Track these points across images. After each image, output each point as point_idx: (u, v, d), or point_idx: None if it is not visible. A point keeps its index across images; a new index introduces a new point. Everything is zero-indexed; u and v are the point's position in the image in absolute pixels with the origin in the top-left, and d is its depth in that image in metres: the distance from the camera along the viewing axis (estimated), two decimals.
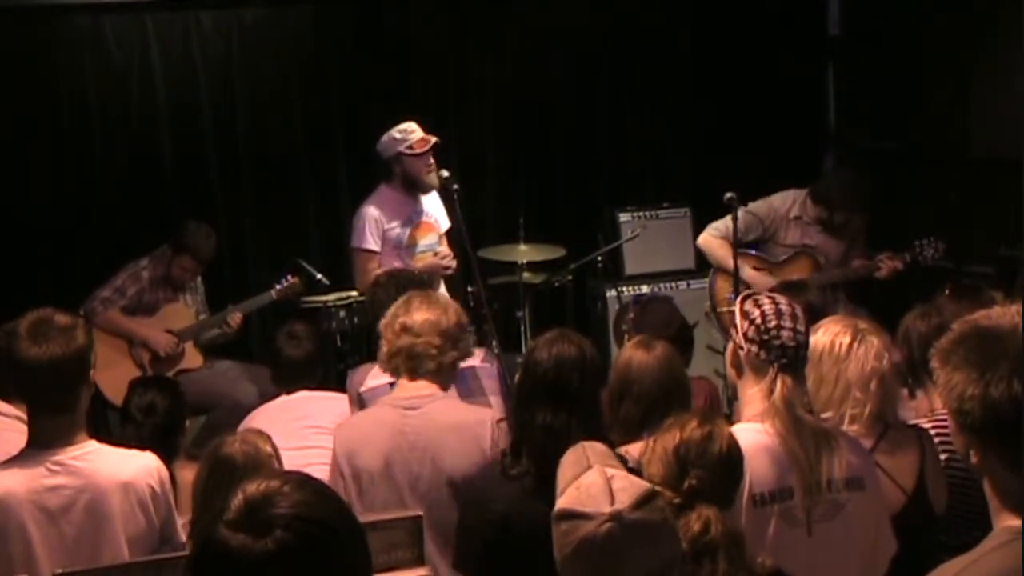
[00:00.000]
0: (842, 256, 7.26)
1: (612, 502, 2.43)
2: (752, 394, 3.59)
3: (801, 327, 3.58)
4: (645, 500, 2.46)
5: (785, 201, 7.28)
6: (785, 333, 3.54)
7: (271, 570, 1.90)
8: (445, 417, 4.18)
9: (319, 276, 7.39)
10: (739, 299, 3.71)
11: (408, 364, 4.28)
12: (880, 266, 7.02)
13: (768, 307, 3.59)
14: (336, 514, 2.01)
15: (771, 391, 3.53)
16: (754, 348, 3.55)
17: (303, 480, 2.02)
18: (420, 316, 4.27)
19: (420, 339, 4.25)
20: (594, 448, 2.69)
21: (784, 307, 3.60)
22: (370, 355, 6.12)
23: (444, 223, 7.25)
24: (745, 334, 3.58)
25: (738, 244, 6.76)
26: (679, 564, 2.61)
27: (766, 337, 3.54)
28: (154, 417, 5.03)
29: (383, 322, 4.37)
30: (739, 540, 2.92)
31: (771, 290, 5.76)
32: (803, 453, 3.46)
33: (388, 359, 4.33)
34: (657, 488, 2.60)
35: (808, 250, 7.21)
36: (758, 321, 3.57)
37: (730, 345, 3.70)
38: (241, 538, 1.91)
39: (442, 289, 6.83)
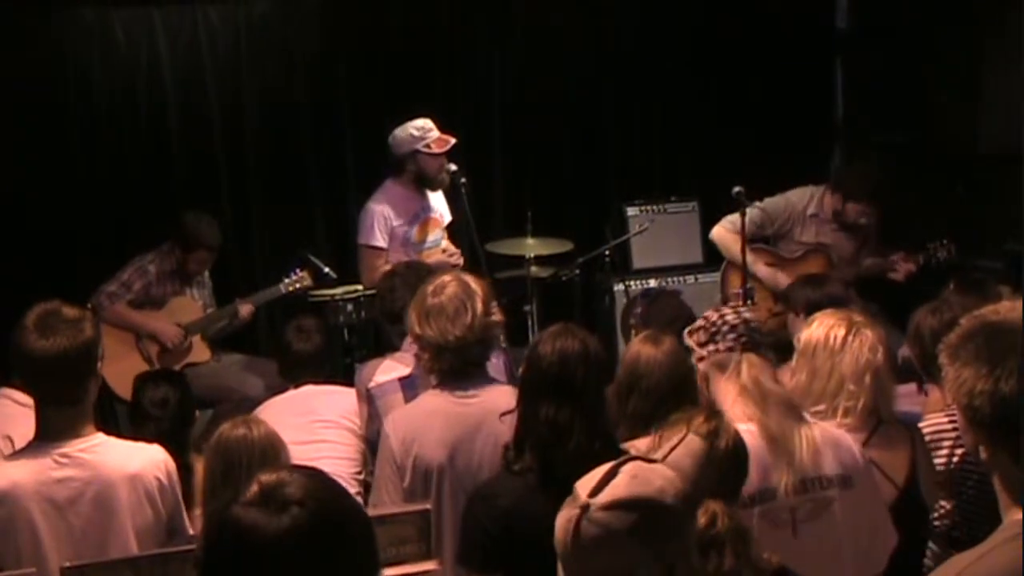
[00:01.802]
0: (854, 254, 7.27)
1: (593, 494, 2.45)
2: (724, 386, 3.62)
3: (741, 309, 3.75)
4: (622, 504, 2.46)
5: (803, 198, 7.31)
6: (729, 316, 3.68)
7: (285, 545, 1.93)
8: (502, 404, 4.09)
9: (327, 270, 7.39)
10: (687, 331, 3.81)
11: (457, 373, 4.20)
12: (896, 268, 7.05)
13: (710, 313, 3.76)
14: (346, 502, 2.07)
15: (738, 372, 3.60)
16: (711, 346, 3.63)
17: (312, 471, 2.08)
18: (453, 331, 4.12)
19: (463, 352, 4.16)
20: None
21: (724, 308, 3.78)
22: (378, 349, 6.14)
23: (447, 216, 7.25)
24: (700, 343, 3.69)
25: (752, 239, 6.86)
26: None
27: (714, 329, 3.66)
28: (169, 410, 5.06)
29: (416, 333, 4.22)
30: (745, 535, 2.92)
31: (792, 285, 5.80)
32: (774, 423, 3.49)
33: (431, 372, 4.26)
34: (655, 499, 2.58)
35: (822, 248, 7.23)
36: (703, 324, 3.70)
37: (698, 369, 3.73)
38: (255, 514, 1.95)
39: None
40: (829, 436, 3.63)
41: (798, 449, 3.49)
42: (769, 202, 7.22)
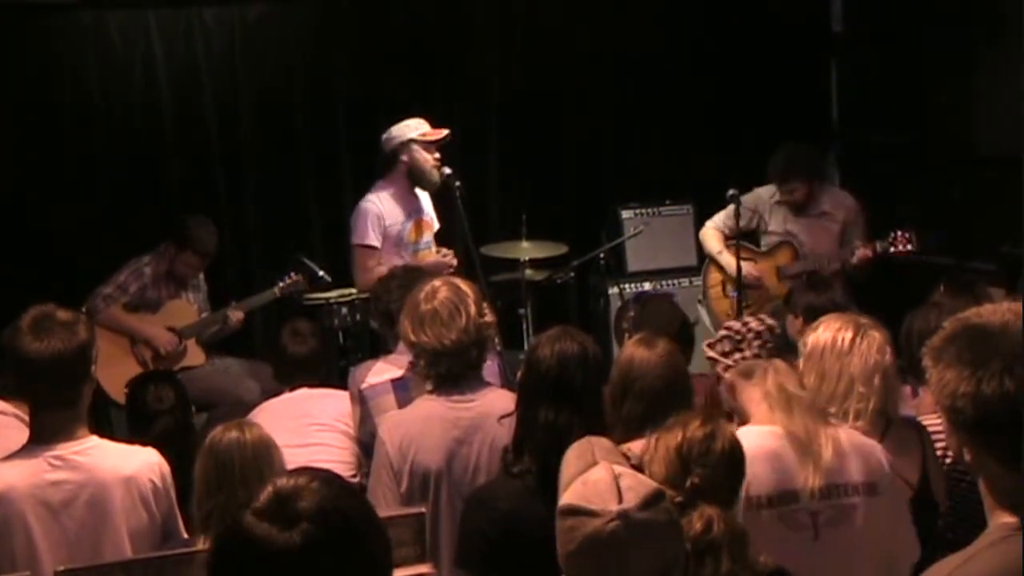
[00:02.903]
0: (832, 248, 7.33)
1: (620, 500, 2.43)
2: (750, 392, 3.59)
3: (763, 316, 3.73)
4: (653, 499, 2.47)
5: (769, 188, 7.46)
6: (753, 324, 3.69)
7: (295, 562, 1.91)
8: (498, 407, 4.09)
9: (321, 273, 7.38)
10: (705, 345, 3.77)
11: (454, 377, 4.20)
12: (853, 252, 7.10)
13: (731, 322, 3.75)
14: (362, 513, 2.03)
15: (764, 378, 3.56)
16: (736, 355, 3.59)
17: (331, 478, 2.04)
18: (449, 336, 4.12)
19: (460, 356, 4.16)
20: (600, 443, 2.69)
21: (744, 317, 3.74)
22: (372, 352, 6.13)
23: (436, 223, 7.23)
24: (723, 353, 3.65)
25: (734, 235, 6.94)
26: (683, 563, 2.61)
27: (739, 338, 3.66)
28: (173, 406, 5.08)
29: (411, 341, 4.21)
30: (742, 539, 2.92)
31: (792, 290, 5.81)
32: (800, 428, 3.48)
33: (427, 378, 4.25)
34: (665, 491, 2.60)
35: (789, 238, 7.32)
36: (726, 334, 3.69)
37: (722, 379, 3.70)
38: (266, 527, 1.92)
39: None
40: (857, 442, 3.61)
41: (824, 452, 3.47)
42: (744, 198, 7.28)
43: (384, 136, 6.97)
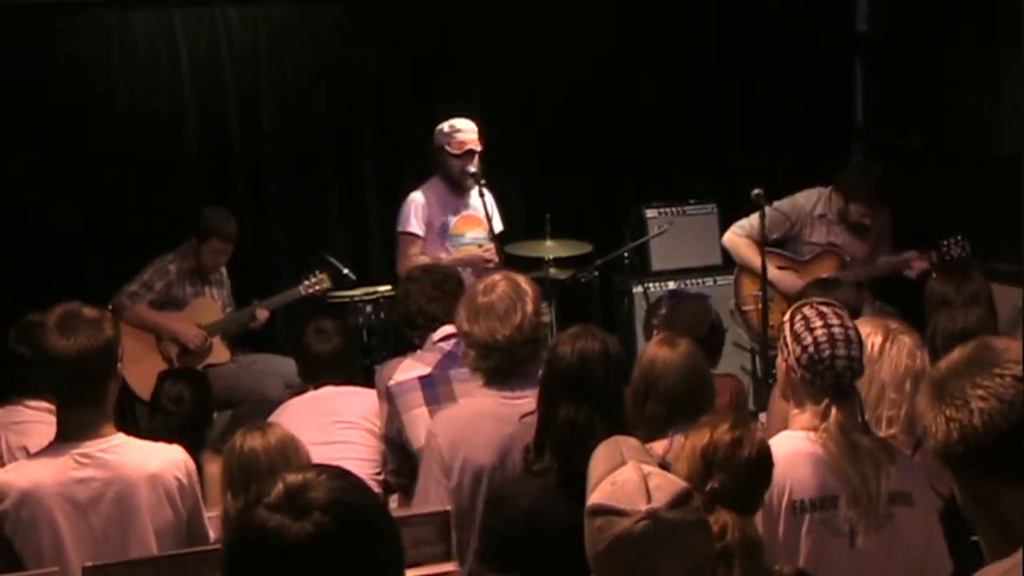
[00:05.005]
0: (868, 256, 7.26)
1: (648, 500, 2.43)
2: (803, 411, 3.52)
3: (856, 351, 3.47)
4: (681, 499, 2.46)
5: (810, 199, 7.30)
6: (840, 363, 3.43)
7: (308, 552, 1.92)
8: None
9: (346, 271, 7.40)
10: (788, 314, 3.58)
11: (505, 373, 4.15)
12: (911, 265, 7.01)
13: (820, 332, 3.45)
14: (372, 506, 2.04)
15: (825, 416, 3.45)
16: (807, 375, 3.45)
17: (342, 472, 2.05)
18: (502, 331, 4.06)
19: (511, 352, 4.10)
20: (627, 443, 2.69)
21: (837, 330, 3.46)
22: (397, 350, 6.14)
23: (497, 224, 7.21)
24: (798, 359, 3.47)
25: (764, 242, 6.75)
26: (713, 563, 2.61)
27: (820, 367, 3.43)
28: (184, 407, 5.09)
29: (464, 331, 4.17)
30: (756, 548, 2.89)
31: (804, 289, 5.71)
32: (856, 475, 3.39)
33: (476, 371, 4.21)
34: (691, 489, 2.58)
35: (834, 249, 7.20)
36: (811, 350, 3.44)
37: (781, 363, 3.59)
38: (279, 518, 1.92)
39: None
40: (898, 454, 3.55)
41: (877, 503, 3.42)
42: (778, 204, 7.19)
43: (434, 132, 7.10)
